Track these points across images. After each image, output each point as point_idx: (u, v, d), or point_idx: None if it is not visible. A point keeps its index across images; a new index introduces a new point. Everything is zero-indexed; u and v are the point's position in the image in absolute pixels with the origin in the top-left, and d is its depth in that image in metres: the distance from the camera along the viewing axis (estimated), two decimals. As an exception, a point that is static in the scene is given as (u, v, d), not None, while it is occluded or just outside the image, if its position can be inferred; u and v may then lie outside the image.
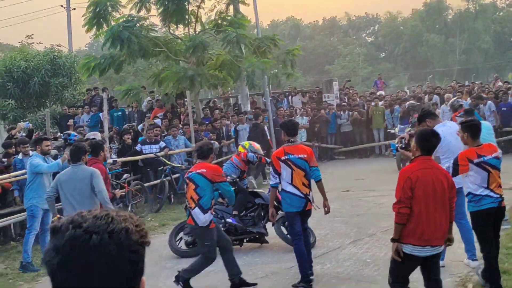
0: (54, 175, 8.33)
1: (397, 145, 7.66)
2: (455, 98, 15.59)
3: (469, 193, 6.11)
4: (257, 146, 10.44)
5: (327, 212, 7.49)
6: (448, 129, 7.01)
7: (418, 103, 17.72)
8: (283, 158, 7.05)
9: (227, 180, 8.12)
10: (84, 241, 1.40)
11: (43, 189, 8.63)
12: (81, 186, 7.21)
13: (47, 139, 9.64)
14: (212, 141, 15.90)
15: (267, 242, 9.06)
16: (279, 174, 7.08)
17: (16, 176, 10.58)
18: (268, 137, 17.56)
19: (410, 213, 5.01)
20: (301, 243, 7.01)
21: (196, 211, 6.86)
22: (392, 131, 17.18)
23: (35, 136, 13.86)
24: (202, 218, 6.84)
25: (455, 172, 6.04)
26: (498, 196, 6.03)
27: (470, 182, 6.06)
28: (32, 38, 25.71)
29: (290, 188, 7.04)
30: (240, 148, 10.34)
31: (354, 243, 8.84)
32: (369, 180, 14.91)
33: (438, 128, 6.50)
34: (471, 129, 6.15)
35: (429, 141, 5.19)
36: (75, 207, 6.96)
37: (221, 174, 7.19)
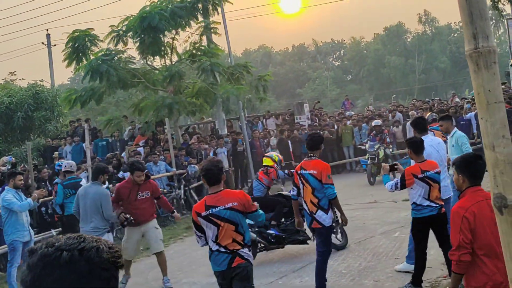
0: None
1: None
2: (430, 113, 15.81)
3: (413, 203, 6.41)
4: (281, 157, 10.59)
5: (344, 224, 7.30)
6: (429, 141, 7.03)
7: (383, 121, 17.95)
8: (299, 172, 6.85)
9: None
10: (55, 258, 1.37)
11: (21, 223, 8.54)
12: (91, 204, 7.82)
13: (21, 174, 9.42)
14: (192, 165, 15.80)
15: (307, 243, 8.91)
16: (298, 188, 6.91)
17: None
18: (291, 150, 18.53)
19: (473, 260, 3.91)
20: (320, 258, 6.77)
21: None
22: (363, 147, 17.27)
23: (21, 169, 13.64)
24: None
25: (403, 186, 6.40)
26: (438, 205, 6.38)
27: (414, 193, 6.37)
28: (15, 75, 25.51)
29: (303, 202, 6.89)
30: (268, 160, 9.95)
31: (330, 256, 8.75)
32: (342, 195, 14.66)
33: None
34: (412, 146, 6.43)
35: (476, 165, 4.04)
36: (88, 219, 7.85)
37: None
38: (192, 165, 15.85)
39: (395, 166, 6.94)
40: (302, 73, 73.74)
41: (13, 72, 25.23)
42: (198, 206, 5.22)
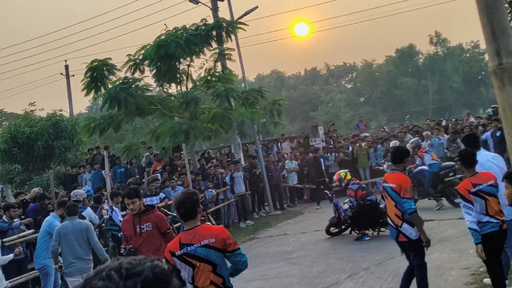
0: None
1: None
2: (415, 138, 15.72)
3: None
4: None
5: (426, 246, 6.41)
6: (484, 156, 6.69)
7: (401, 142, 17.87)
8: (383, 185, 6.66)
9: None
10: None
11: None
12: (77, 237, 7.72)
13: (14, 207, 9.60)
14: (209, 189, 15.82)
15: None
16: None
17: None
18: (323, 168, 18.96)
19: None
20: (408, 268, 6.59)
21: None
22: (381, 168, 17.20)
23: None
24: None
25: (470, 203, 5.89)
26: (499, 221, 5.91)
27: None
28: (35, 105, 25.71)
29: (388, 217, 6.69)
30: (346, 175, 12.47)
31: (350, 277, 8.66)
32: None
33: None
34: (464, 158, 6.10)
35: None
36: (75, 255, 7.71)
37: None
38: (210, 190, 15.88)
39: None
40: (315, 96, 73.90)
41: (33, 103, 25.47)
42: (173, 245, 4.57)
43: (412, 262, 6.53)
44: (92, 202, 12.27)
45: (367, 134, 24.28)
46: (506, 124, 2.09)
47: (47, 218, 9.18)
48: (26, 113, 25.40)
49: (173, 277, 1.37)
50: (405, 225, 6.36)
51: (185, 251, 4.45)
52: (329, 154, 20.43)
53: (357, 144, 20.32)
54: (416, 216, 6.27)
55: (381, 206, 10.88)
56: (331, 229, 12.45)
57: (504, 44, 2.01)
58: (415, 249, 6.45)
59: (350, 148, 20.77)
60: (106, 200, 13.10)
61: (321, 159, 19.28)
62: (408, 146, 14.85)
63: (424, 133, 19.59)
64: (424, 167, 14.38)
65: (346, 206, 11.99)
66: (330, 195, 13.25)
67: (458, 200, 13.83)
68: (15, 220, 10.17)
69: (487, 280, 6.95)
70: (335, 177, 12.86)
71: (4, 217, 10.00)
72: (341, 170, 12.87)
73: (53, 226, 8.59)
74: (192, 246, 4.44)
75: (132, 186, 8.06)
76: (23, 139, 18.03)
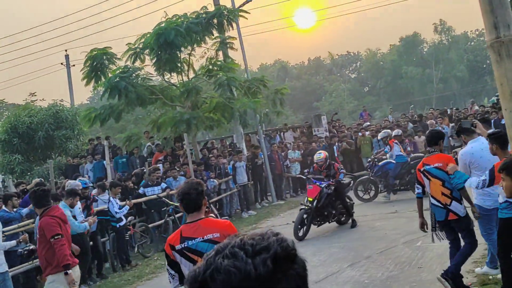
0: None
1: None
2: (384, 131, 15.91)
3: (506, 201, 5.78)
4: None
5: (477, 217, 6.50)
6: (480, 144, 6.76)
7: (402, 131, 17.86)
8: (422, 169, 6.73)
9: None
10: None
11: None
12: None
13: (14, 196, 9.66)
14: (212, 179, 15.82)
15: None
16: (422, 186, 6.78)
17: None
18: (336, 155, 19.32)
19: None
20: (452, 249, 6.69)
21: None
22: (384, 157, 17.18)
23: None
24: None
25: (491, 182, 5.92)
26: None
27: None
28: (35, 95, 25.76)
29: (431, 199, 6.73)
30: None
31: (351, 266, 8.65)
32: (362, 206, 14.75)
33: (470, 144, 6.64)
34: (499, 140, 6.05)
35: None
36: None
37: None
38: (212, 180, 15.88)
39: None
40: (318, 86, 73.72)
41: (34, 93, 25.46)
42: (173, 238, 4.25)
43: (465, 240, 6.60)
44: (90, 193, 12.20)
45: (369, 124, 24.22)
46: (503, 99, 2.05)
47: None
48: (26, 103, 25.39)
49: (297, 252, 1.27)
50: (454, 203, 6.50)
51: (185, 245, 4.14)
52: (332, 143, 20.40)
53: (360, 134, 20.28)
54: (466, 191, 6.41)
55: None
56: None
57: (501, 17, 1.97)
58: (465, 227, 6.57)
59: (354, 138, 20.73)
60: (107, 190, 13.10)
61: (334, 147, 19.37)
62: (380, 135, 15.48)
63: (428, 122, 19.56)
64: (391, 160, 14.71)
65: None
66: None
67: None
68: (21, 209, 10.20)
69: (479, 270, 7.04)
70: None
71: (4, 207, 10.01)
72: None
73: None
74: (193, 240, 4.12)
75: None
76: (24, 129, 18.03)
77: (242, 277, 1.15)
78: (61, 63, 31.32)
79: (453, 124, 17.82)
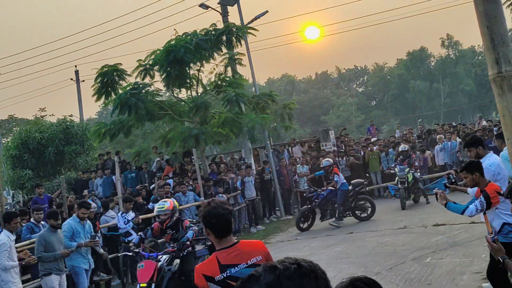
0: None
1: (445, 182, 6.84)
2: (326, 159, 16.14)
3: (505, 224, 5.77)
4: None
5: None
6: (497, 158, 6.62)
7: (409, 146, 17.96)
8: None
9: None
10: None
11: (80, 251, 9.27)
12: None
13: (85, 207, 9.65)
14: (220, 194, 15.91)
15: None
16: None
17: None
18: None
19: None
20: None
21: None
22: (392, 171, 17.30)
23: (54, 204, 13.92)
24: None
25: (488, 206, 5.78)
26: None
27: (502, 213, 5.82)
28: (45, 111, 26.28)
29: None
30: None
31: (362, 282, 8.68)
32: (370, 221, 14.79)
33: (487, 158, 6.45)
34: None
35: None
36: None
37: None
38: (220, 195, 15.96)
39: (453, 179, 6.50)
40: (326, 100, 73.89)
41: (43, 108, 26.09)
42: (208, 268, 3.64)
43: None
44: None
45: (376, 138, 24.29)
46: (506, 130, 2.15)
47: (68, 220, 9.52)
48: (36, 119, 25.65)
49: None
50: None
51: (228, 274, 3.59)
52: (340, 159, 20.45)
53: (369, 148, 20.34)
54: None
55: None
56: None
57: (503, 53, 2.08)
58: None
59: (362, 153, 20.78)
60: (116, 206, 13.21)
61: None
62: (325, 164, 15.51)
63: (437, 136, 19.63)
64: (332, 188, 14.94)
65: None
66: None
67: (364, 214, 14.95)
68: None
69: (487, 285, 6.94)
70: None
71: (32, 219, 10.27)
72: None
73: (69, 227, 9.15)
74: (236, 267, 3.60)
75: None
76: (34, 144, 18.27)
77: None
78: (71, 79, 31.64)
79: (460, 139, 17.87)
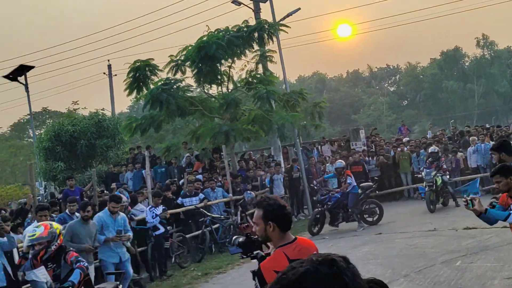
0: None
1: (464, 204, 5.99)
2: (339, 161, 15.96)
3: None
4: None
5: None
6: None
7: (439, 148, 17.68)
8: None
9: None
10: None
11: (108, 245, 9.49)
12: None
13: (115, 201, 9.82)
14: (249, 191, 15.95)
15: None
16: None
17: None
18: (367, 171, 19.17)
19: None
20: None
21: None
22: (419, 175, 17.04)
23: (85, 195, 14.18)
24: None
25: None
26: None
27: None
28: (78, 104, 26.72)
29: None
30: None
31: (389, 284, 8.60)
32: (399, 223, 14.62)
33: None
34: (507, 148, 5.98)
35: None
36: None
37: None
38: (249, 192, 16.01)
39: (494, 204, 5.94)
40: (357, 99, 73.34)
41: (76, 102, 26.49)
42: (278, 264, 3.38)
43: None
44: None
45: (407, 139, 24.00)
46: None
47: (99, 213, 9.77)
48: (69, 112, 26.11)
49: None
50: None
51: None
52: (370, 158, 20.28)
53: (399, 149, 20.11)
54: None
55: None
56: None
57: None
58: None
59: (392, 153, 20.57)
60: (145, 200, 13.36)
61: (363, 163, 19.22)
62: (338, 165, 15.30)
63: (470, 138, 19.31)
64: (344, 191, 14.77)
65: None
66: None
67: (372, 219, 14.74)
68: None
69: None
70: None
71: (67, 210, 10.56)
72: None
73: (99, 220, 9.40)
74: None
75: None
76: (67, 137, 18.59)
77: None
78: (104, 73, 32.09)
79: (494, 142, 17.53)
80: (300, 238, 3.75)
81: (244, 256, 4.13)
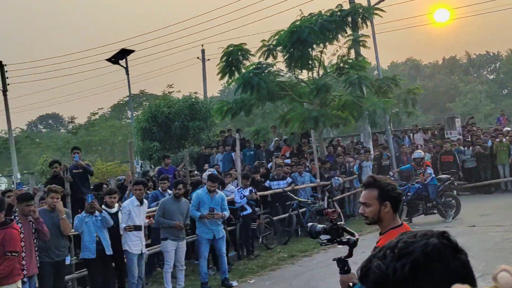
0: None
1: None
2: (418, 151, 15.23)
3: None
4: None
5: None
6: None
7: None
8: None
9: None
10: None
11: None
12: None
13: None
14: (336, 177, 15.86)
15: None
16: None
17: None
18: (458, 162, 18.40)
19: None
20: None
21: None
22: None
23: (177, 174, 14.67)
24: None
25: None
26: None
27: None
28: (173, 87, 27.48)
29: None
30: None
31: (482, 277, 8.30)
32: (495, 216, 13.99)
33: None
34: None
35: None
36: None
37: None
38: (336, 178, 15.91)
39: None
40: (452, 87, 70.34)
41: (171, 85, 27.27)
42: None
43: None
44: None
45: (508, 129, 22.76)
46: None
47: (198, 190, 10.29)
48: (164, 95, 27.10)
49: (450, 255, 1.32)
50: None
51: None
52: (465, 148, 19.47)
53: (497, 139, 19.15)
54: None
55: None
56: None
57: None
58: None
59: (490, 143, 19.62)
60: (234, 181, 13.63)
61: (456, 153, 18.47)
62: (416, 155, 15.03)
63: None
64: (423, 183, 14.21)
65: None
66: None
67: (449, 212, 14.07)
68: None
69: None
70: None
71: (159, 188, 11.10)
72: None
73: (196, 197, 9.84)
74: None
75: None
76: (162, 118, 19.37)
77: (383, 278, 1.29)
78: (197, 57, 32.91)
79: None
80: (405, 223, 3.62)
81: (329, 243, 4.06)
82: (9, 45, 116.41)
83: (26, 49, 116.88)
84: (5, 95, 32.11)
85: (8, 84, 32.64)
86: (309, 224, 4.29)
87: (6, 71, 31.89)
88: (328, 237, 4.14)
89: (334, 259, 3.78)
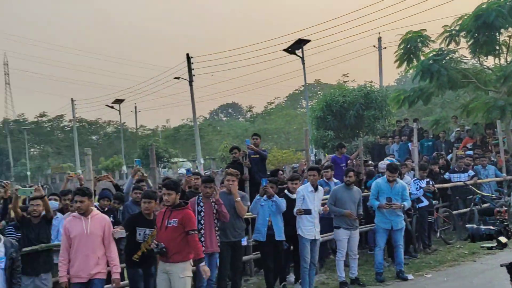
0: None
1: None
2: None
3: None
4: None
5: None
6: None
7: None
8: None
9: None
10: None
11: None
12: None
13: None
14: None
15: None
16: None
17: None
18: None
19: None
20: None
21: None
22: None
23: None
24: None
25: None
26: None
27: None
28: (348, 76, 27.65)
29: None
30: None
31: None
32: None
33: None
34: None
35: None
36: None
37: None
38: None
39: None
40: None
41: (346, 74, 27.44)
42: None
43: None
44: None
45: None
46: None
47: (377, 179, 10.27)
48: (339, 84, 27.24)
49: None
50: None
51: None
52: None
53: None
54: None
55: None
56: None
57: None
58: None
59: None
60: (410, 171, 13.26)
61: None
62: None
63: None
64: None
65: None
66: None
67: None
68: None
69: None
70: None
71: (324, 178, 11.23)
72: None
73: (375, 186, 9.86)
74: None
75: (172, 179, 7.93)
76: (337, 107, 19.54)
77: None
78: (373, 46, 32.48)
79: None
80: None
81: (499, 247, 3.74)
82: (195, 39, 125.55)
83: (209, 41, 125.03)
84: (191, 85, 34.87)
85: (194, 76, 35.27)
86: (469, 225, 3.94)
87: (192, 63, 34.55)
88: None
89: (502, 265, 3.47)
